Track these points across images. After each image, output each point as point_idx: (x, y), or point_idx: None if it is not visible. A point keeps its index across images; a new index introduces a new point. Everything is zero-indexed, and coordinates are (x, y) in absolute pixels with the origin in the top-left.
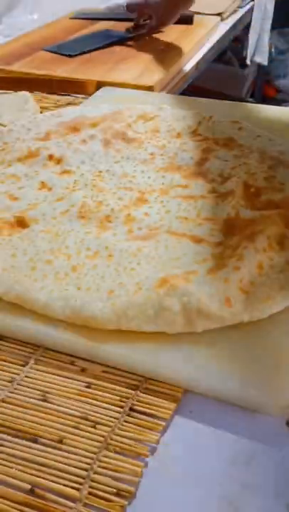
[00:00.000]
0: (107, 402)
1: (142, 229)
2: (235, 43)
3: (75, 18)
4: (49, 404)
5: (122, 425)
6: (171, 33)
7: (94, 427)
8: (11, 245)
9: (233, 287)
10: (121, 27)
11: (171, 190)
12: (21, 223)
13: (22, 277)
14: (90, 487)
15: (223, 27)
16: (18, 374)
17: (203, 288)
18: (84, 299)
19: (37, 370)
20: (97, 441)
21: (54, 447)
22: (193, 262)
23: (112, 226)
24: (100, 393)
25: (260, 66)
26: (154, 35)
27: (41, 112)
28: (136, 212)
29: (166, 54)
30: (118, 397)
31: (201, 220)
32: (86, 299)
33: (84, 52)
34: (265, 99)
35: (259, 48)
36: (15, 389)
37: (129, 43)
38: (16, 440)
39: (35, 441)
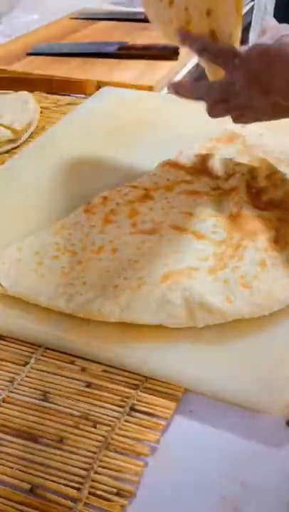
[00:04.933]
0: (107, 402)
1: (146, 223)
2: None
3: (75, 18)
4: (49, 404)
5: (123, 425)
6: None
7: (94, 427)
8: (18, 239)
9: (234, 285)
10: (121, 27)
11: (176, 187)
12: None
13: (28, 271)
14: (90, 487)
15: None
16: (18, 374)
17: (205, 285)
18: (89, 293)
19: (37, 369)
20: (98, 441)
21: (54, 447)
22: (195, 259)
23: (117, 219)
24: (100, 393)
25: None
26: (153, 35)
27: (41, 112)
28: (141, 207)
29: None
30: (118, 397)
31: (204, 216)
32: (91, 294)
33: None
34: None
35: None
36: (15, 388)
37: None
38: (16, 440)
39: (35, 441)
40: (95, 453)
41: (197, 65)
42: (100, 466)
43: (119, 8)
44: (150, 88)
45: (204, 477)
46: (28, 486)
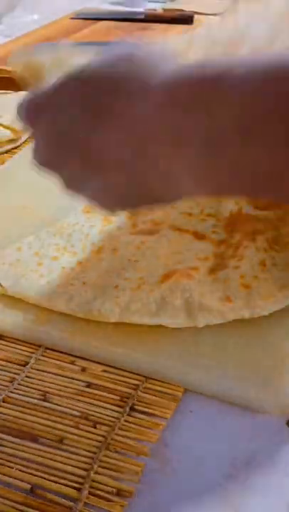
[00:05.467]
0: (107, 402)
1: (146, 223)
2: None
3: (75, 18)
4: (49, 404)
5: (123, 425)
6: (170, 33)
7: (94, 427)
8: (18, 239)
9: (234, 285)
10: (121, 27)
11: None
12: None
13: (28, 272)
14: (90, 487)
15: None
16: (18, 374)
17: (205, 285)
18: (89, 293)
19: (37, 369)
20: (98, 441)
21: (54, 447)
22: (195, 258)
23: (117, 220)
24: (100, 393)
25: None
26: (153, 35)
27: None
28: None
29: None
30: (118, 397)
31: (204, 216)
32: (91, 294)
33: None
34: None
35: None
36: (15, 389)
37: None
38: (16, 440)
39: (35, 441)
40: (94, 453)
41: None
42: (100, 466)
43: (119, 8)
44: None
45: (204, 477)
46: (28, 486)
